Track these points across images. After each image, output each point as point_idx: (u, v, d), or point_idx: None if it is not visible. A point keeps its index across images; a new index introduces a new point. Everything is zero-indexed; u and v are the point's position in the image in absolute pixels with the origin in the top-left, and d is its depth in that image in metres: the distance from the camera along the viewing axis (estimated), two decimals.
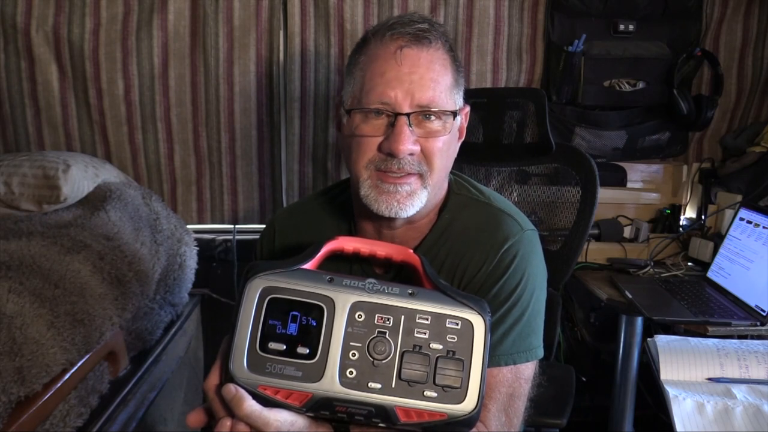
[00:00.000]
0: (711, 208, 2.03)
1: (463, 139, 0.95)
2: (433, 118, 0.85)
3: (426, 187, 0.87)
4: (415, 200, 0.87)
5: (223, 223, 2.09)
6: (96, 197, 1.70)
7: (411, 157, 0.85)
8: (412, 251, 0.84)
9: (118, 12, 1.89)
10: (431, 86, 0.84)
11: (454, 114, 0.87)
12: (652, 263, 1.85)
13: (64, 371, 1.15)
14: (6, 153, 1.93)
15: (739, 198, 1.91)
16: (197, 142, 2.01)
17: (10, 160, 1.68)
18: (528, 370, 0.91)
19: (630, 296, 1.58)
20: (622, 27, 1.98)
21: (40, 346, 1.10)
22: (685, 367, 1.19)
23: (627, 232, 2.03)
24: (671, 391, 1.11)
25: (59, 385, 1.13)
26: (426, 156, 0.86)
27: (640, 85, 2.04)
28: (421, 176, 0.87)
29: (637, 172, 2.12)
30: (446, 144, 0.88)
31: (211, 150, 2.01)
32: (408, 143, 0.83)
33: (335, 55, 1.95)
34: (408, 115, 0.84)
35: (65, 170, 1.63)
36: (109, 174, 1.83)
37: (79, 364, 1.20)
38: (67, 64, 1.91)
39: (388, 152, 0.84)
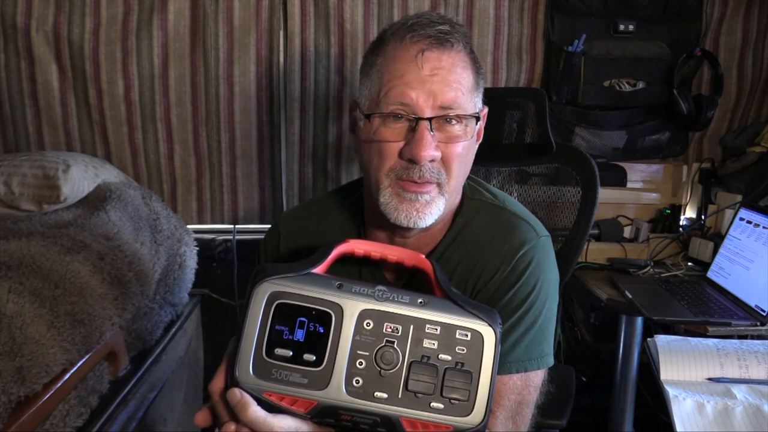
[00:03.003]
0: (711, 208, 2.03)
1: (480, 141, 0.93)
2: (454, 122, 0.83)
3: (444, 195, 0.85)
4: (434, 209, 0.85)
5: (223, 223, 2.08)
6: (96, 197, 1.70)
7: (432, 164, 0.83)
8: (423, 257, 0.82)
9: (118, 12, 1.89)
10: (454, 87, 0.82)
11: (477, 118, 0.85)
12: (652, 263, 1.85)
13: (64, 371, 1.15)
14: (6, 153, 1.93)
15: (739, 198, 1.91)
16: (197, 142, 2.01)
17: (10, 160, 1.68)
18: (538, 377, 0.90)
19: (630, 296, 1.58)
20: (622, 27, 1.98)
21: (40, 346, 1.10)
22: (685, 367, 1.19)
23: (627, 232, 2.03)
24: (671, 391, 1.11)
25: (59, 385, 1.13)
26: (445, 162, 0.84)
27: (640, 85, 2.03)
28: (439, 185, 0.85)
29: (637, 172, 2.11)
30: (465, 149, 0.86)
31: (211, 150, 2.01)
32: (430, 149, 0.81)
33: (335, 55, 1.95)
34: (430, 119, 0.81)
35: (65, 170, 1.63)
36: (109, 174, 1.83)
37: (79, 364, 1.20)
38: (67, 64, 1.91)
39: (409, 158, 0.82)
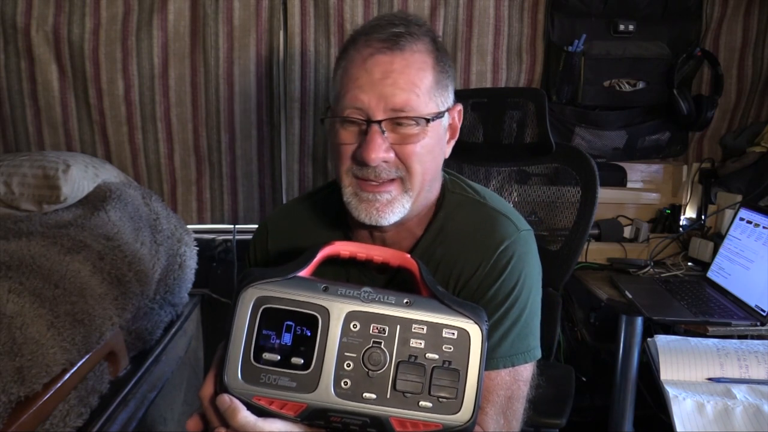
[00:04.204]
0: (711, 208, 2.04)
1: (456, 138, 0.93)
2: (408, 123, 0.83)
3: (407, 192, 0.86)
4: (396, 207, 0.85)
5: (223, 223, 2.09)
6: (96, 197, 1.70)
7: (386, 164, 0.83)
8: (409, 256, 0.83)
9: (118, 12, 1.89)
10: (405, 89, 0.82)
11: (430, 119, 0.84)
12: (652, 263, 1.85)
13: (64, 371, 1.15)
14: (6, 153, 1.93)
15: (739, 198, 1.91)
16: (197, 142, 2.01)
17: (10, 160, 1.68)
18: (526, 371, 0.90)
19: (630, 296, 1.58)
20: (622, 27, 1.98)
21: (40, 346, 1.10)
22: (685, 367, 1.19)
23: (627, 232, 2.03)
24: (671, 391, 1.11)
25: (59, 385, 1.13)
26: (403, 161, 0.84)
27: (640, 85, 2.04)
28: (401, 181, 0.85)
29: (637, 172, 2.12)
30: (426, 147, 0.85)
31: (211, 150, 2.01)
32: (379, 151, 0.82)
33: (335, 55, 1.95)
34: (380, 122, 0.82)
35: (65, 170, 1.63)
36: (109, 174, 1.83)
37: (79, 364, 1.20)
38: (67, 64, 1.91)
39: (360, 161, 0.83)
